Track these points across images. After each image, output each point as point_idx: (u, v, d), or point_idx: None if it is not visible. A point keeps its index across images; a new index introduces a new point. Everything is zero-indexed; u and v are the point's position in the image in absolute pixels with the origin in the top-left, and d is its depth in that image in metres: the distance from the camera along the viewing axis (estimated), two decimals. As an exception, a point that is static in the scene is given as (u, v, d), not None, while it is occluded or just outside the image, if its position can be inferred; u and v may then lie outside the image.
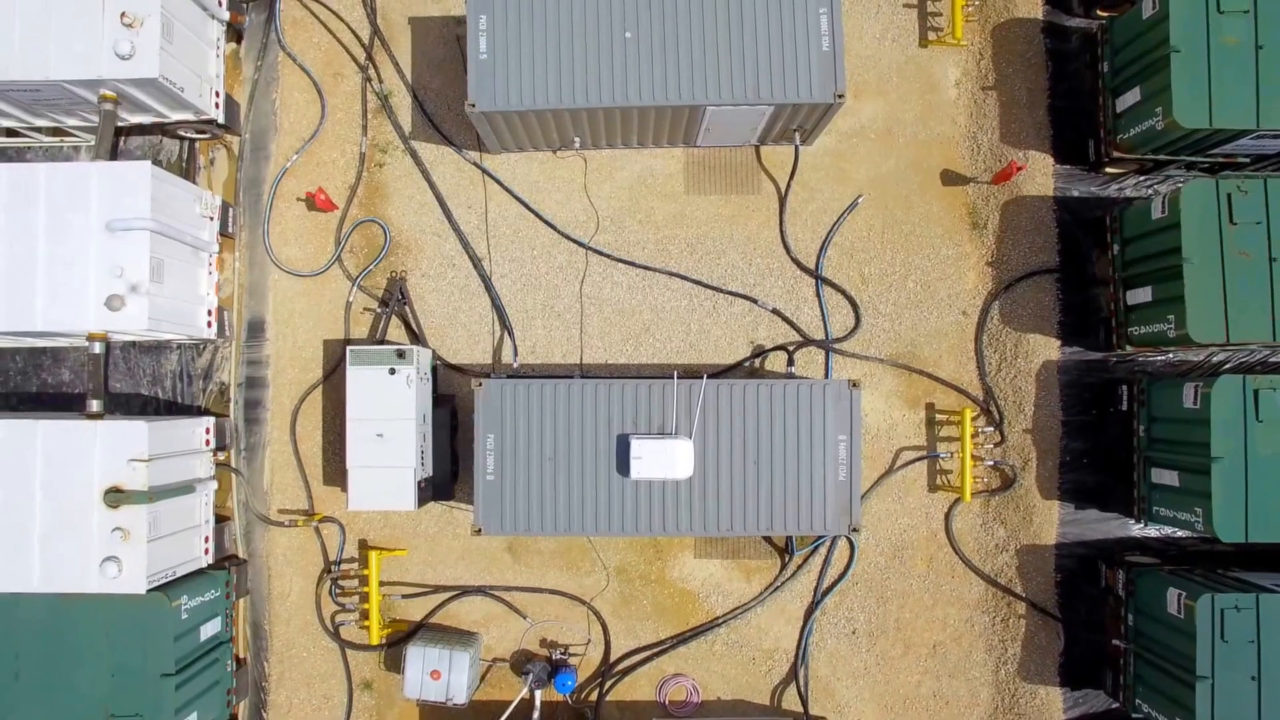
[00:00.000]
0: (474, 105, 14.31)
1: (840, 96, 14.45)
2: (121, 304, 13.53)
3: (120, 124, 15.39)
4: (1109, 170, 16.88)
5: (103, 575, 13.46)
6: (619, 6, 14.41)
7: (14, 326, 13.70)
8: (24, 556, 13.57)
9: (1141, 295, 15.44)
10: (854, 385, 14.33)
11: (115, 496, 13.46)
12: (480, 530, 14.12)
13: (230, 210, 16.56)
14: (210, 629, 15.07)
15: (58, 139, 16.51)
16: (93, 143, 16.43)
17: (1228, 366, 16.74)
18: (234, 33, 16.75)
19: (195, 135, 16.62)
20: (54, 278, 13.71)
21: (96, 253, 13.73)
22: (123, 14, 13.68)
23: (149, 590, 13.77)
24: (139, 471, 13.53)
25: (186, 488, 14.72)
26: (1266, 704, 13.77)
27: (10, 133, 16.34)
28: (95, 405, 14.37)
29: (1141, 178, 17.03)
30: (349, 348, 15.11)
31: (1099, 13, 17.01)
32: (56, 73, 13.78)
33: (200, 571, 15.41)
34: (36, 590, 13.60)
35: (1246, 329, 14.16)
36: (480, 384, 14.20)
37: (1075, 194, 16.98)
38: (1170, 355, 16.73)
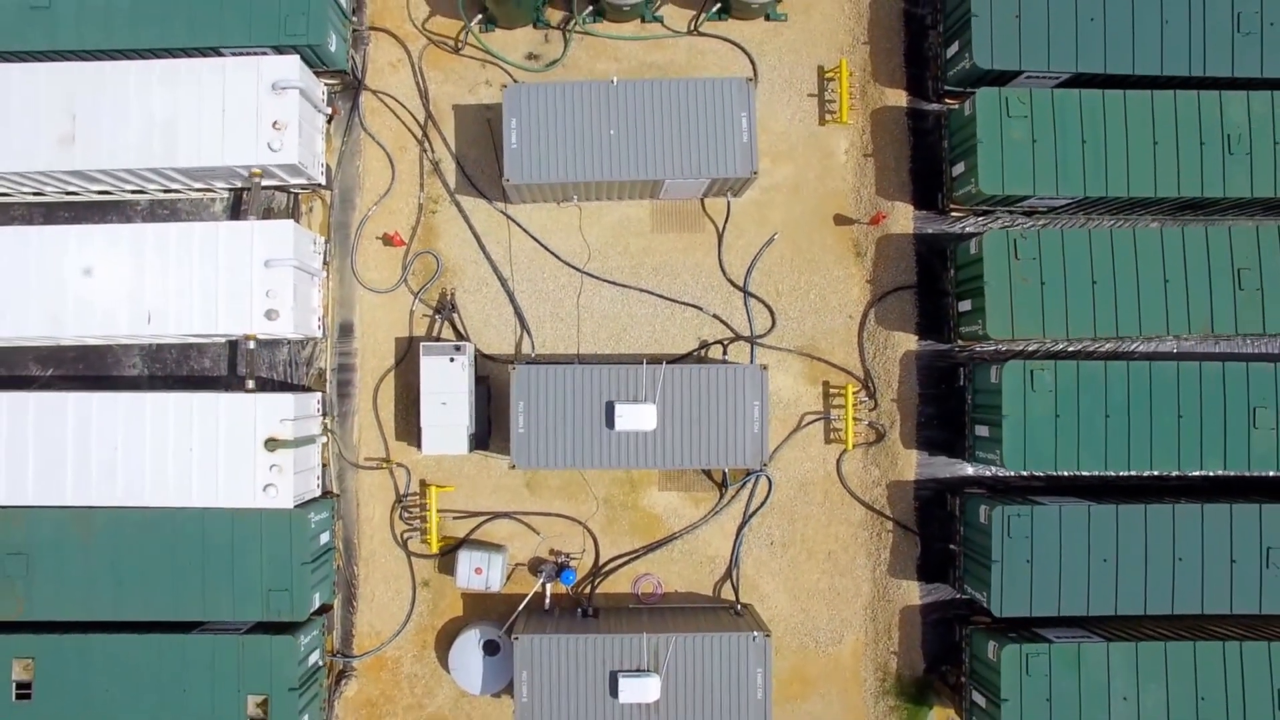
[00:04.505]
0: (508, 179, 22.44)
1: (755, 172, 22.68)
2: (277, 315, 21.56)
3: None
4: (953, 214, 25.15)
5: (266, 496, 21.55)
6: (606, 112, 22.52)
7: (205, 330, 21.74)
8: (212, 484, 21.70)
9: (965, 305, 23.76)
10: (764, 368, 22.60)
11: (273, 443, 21.53)
12: (514, 466, 22.25)
13: (326, 245, 24.57)
14: (324, 538, 23.19)
15: (200, 194, 24.39)
16: (224, 195, 24.50)
17: (1039, 354, 25.02)
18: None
19: (299, 190, 24.56)
20: (230, 298, 21.71)
21: (256, 281, 21.73)
22: (275, 122, 21.68)
23: (294, 507, 21.86)
24: (288, 427, 21.63)
25: (311, 439, 22.84)
26: (1036, 578, 22.09)
27: (165, 190, 24.21)
28: (251, 384, 22.47)
29: (978, 219, 25.30)
30: (422, 344, 23.22)
31: (947, 101, 25.25)
32: (231, 161, 21.82)
33: (315, 499, 23.49)
34: (221, 506, 21.67)
35: (1026, 330, 22.48)
36: (514, 368, 22.32)
37: (929, 231, 25.27)
38: (998, 345, 24.95)
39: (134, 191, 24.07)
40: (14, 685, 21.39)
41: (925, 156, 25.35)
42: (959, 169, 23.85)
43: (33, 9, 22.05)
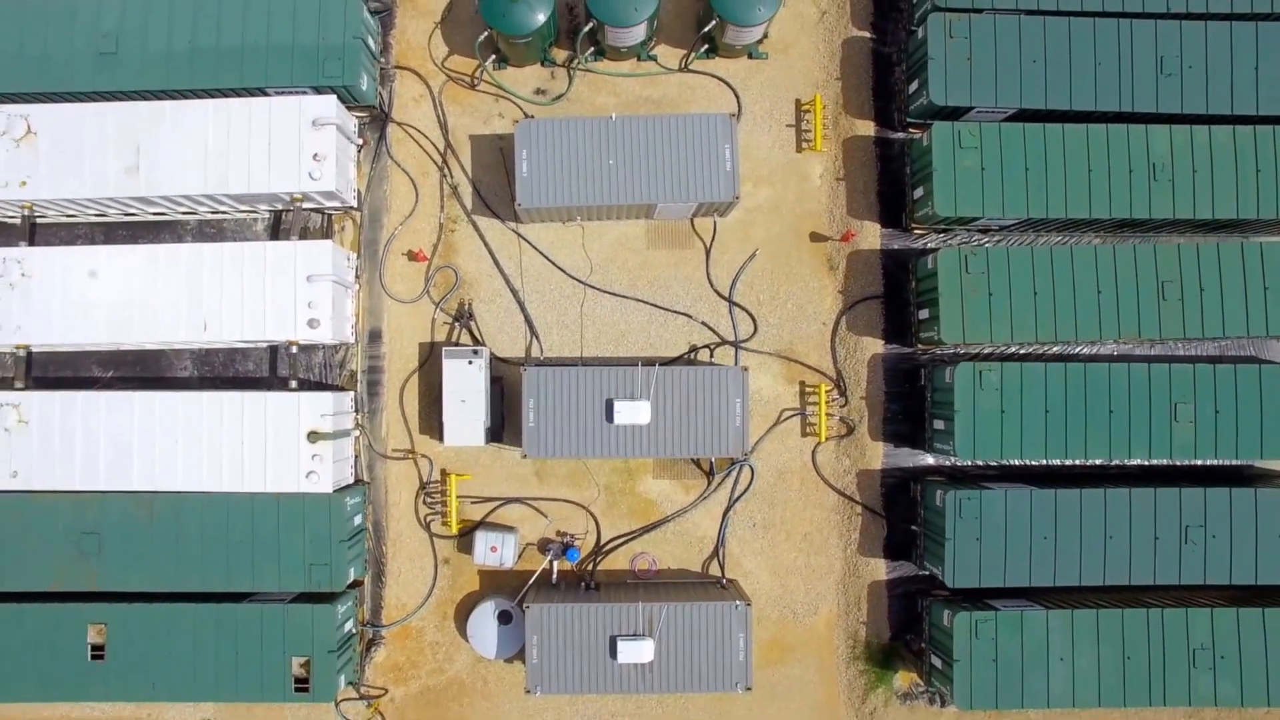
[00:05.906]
0: (520, 204, 25.38)
1: (737, 197, 25.62)
2: (318, 324, 24.48)
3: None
4: (915, 232, 28.04)
5: (308, 482, 24.50)
6: (606, 144, 25.43)
7: (253, 337, 24.66)
8: (260, 471, 24.66)
9: (924, 313, 26.66)
10: (745, 369, 25.53)
11: (314, 435, 24.47)
12: (525, 456, 25.15)
13: (358, 261, 27.50)
14: (357, 520, 26.10)
15: (244, 214, 27.30)
16: (265, 216, 27.37)
17: (994, 357, 27.87)
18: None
19: (333, 211, 27.47)
20: (275, 308, 24.63)
21: (298, 294, 24.65)
22: (315, 154, 24.62)
23: (333, 492, 24.80)
24: (328, 421, 24.57)
25: (346, 432, 25.80)
26: (984, 553, 24.96)
27: (214, 211, 27.13)
28: (294, 384, 25.40)
29: (938, 236, 28.17)
30: (444, 348, 26.16)
31: (911, 131, 28.14)
32: (276, 188, 24.76)
33: (350, 485, 26.42)
34: (268, 491, 24.62)
35: (975, 335, 25.38)
36: (525, 369, 25.24)
37: (895, 247, 28.16)
38: (955, 349, 27.82)
39: (185, 213, 27.00)
40: (89, 647, 24.40)
41: (891, 180, 28.24)
42: (919, 192, 26.70)
43: (101, 55, 25.01)
